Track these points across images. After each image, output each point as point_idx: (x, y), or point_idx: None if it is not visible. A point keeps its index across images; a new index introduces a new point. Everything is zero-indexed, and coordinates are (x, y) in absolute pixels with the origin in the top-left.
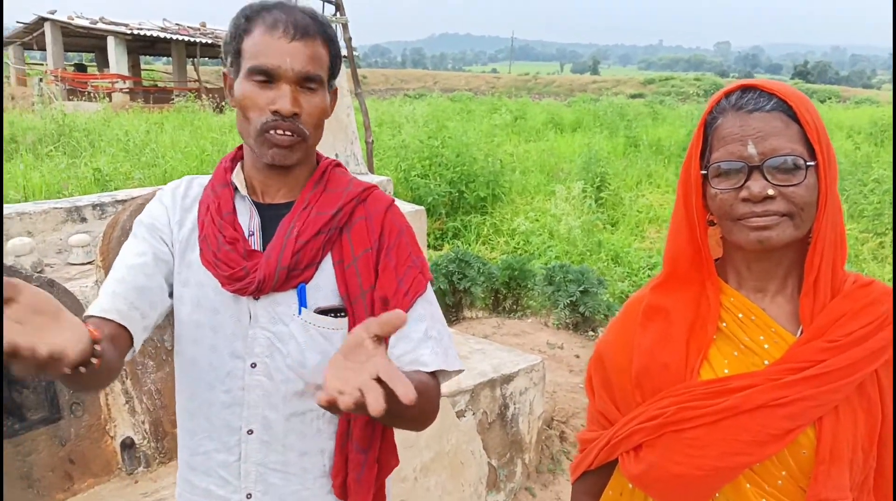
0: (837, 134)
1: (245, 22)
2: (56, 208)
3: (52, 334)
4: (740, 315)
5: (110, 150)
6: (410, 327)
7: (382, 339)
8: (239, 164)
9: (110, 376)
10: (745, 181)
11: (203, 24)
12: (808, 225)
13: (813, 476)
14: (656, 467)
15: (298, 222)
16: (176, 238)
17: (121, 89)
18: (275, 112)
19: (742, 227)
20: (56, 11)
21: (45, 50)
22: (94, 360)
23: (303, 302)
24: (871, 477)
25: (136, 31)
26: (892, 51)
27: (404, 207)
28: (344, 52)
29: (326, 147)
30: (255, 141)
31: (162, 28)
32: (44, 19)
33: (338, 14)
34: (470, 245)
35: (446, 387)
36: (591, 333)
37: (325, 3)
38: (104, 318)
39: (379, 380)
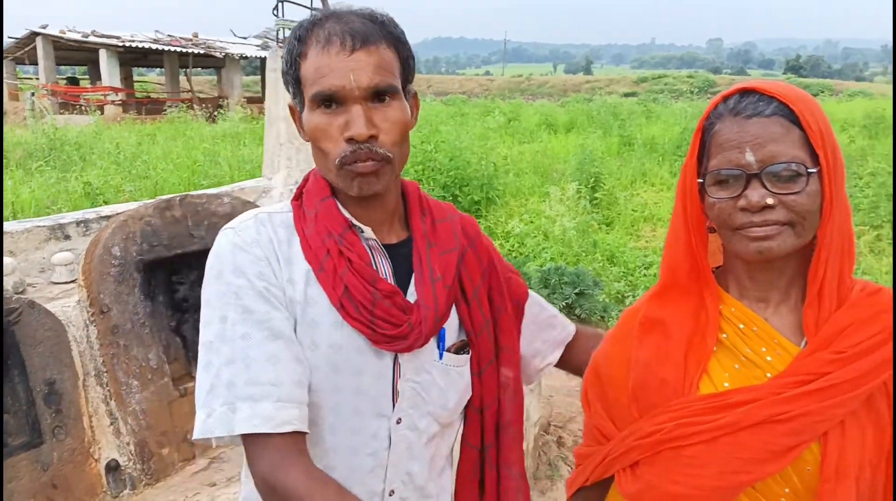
0: (832, 128)
1: (298, 45)
2: (39, 227)
3: None
4: (741, 326)
5: (101, 163)
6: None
7: None
8: (334, 198)
9: None
10: (744, 190)
11: (195, 35)
12: (812, 233)
13: (818, 494)
14: (653, 486)
15: (435, 264)
16: (291, 298)
17: (113, 101)
18: (349, 140)
19: (741, 237)
20: (48, 26)
21: (37, 64)
22: None
23: (442, 346)
24: (881, 495)
25: (128, 44)
26: (892, 45)
27: None
28: None
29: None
30: (337, 176)
31: (154, 40)
32: (35, 34)
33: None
34: None
35: None
36: None
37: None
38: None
39: None
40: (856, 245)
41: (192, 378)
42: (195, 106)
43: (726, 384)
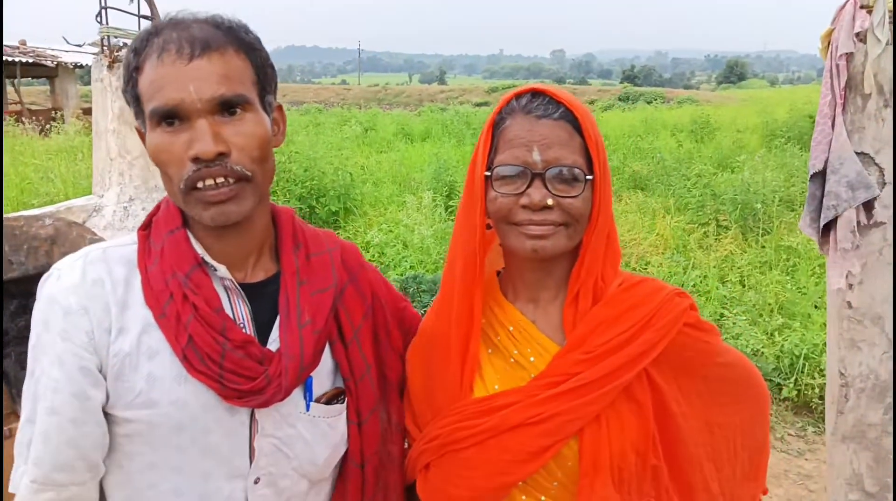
0: (662, 132)
1: (134, 58)
2: None
3: None
4: (511, 328)
5: None
6: None
7: None
8: (185, 228)
9: None
10: (527, 188)
11: (23, 43)
12: (580, 236)
13: (578, 489)
14: (439, 489)
15: (305, 305)
16: (117, 351)
17: None
18: (195, 159)
19: (518, 233)
20: None
21: None
22: None
23: (309, 396)
24: (664, 476)
25: None
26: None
27: None
28: None
29: (155, 178)
30: (186, 203)
31: None
32: None
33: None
34: None
35: None
36: None
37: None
38: None
39: None
40: (687, 242)
41: (17, 417)
42: (24, 119)
43: (497, 386)
